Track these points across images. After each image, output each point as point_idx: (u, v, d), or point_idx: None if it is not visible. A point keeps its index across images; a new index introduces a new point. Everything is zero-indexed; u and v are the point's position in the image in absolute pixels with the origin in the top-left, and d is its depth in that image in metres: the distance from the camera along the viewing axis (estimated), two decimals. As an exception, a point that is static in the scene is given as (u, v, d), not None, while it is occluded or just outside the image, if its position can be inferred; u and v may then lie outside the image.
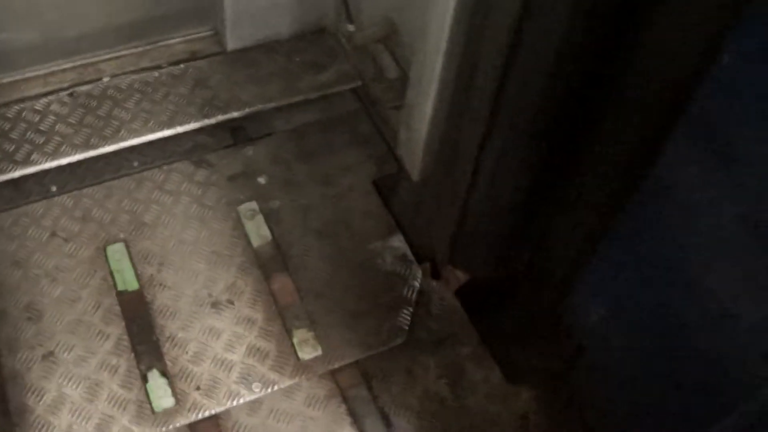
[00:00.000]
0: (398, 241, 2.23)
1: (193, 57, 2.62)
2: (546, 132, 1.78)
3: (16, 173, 2.30)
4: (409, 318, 2.08)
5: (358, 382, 2.00)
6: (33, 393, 1.89)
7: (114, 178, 2.30)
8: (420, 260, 2.19)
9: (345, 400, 1.97)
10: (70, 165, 2.33)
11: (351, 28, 2.43)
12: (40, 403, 1.88)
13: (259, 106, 2.49)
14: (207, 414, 1.90)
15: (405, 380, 2.01)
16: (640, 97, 1.49)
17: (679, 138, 1.38)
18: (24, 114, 2.39)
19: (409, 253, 2.20)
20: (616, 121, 1.58)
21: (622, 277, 1.70)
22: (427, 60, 2.02)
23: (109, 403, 1.89)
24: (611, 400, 1.85)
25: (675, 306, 1.54)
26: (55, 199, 2.25)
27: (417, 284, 2.14)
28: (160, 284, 2.09)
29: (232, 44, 2.63)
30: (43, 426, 1.85)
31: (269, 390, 1.95)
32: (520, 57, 1.63)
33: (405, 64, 2.44)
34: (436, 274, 2.19)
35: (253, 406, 1.94)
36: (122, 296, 2.05)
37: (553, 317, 1.95)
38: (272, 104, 2.51)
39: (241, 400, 1.92)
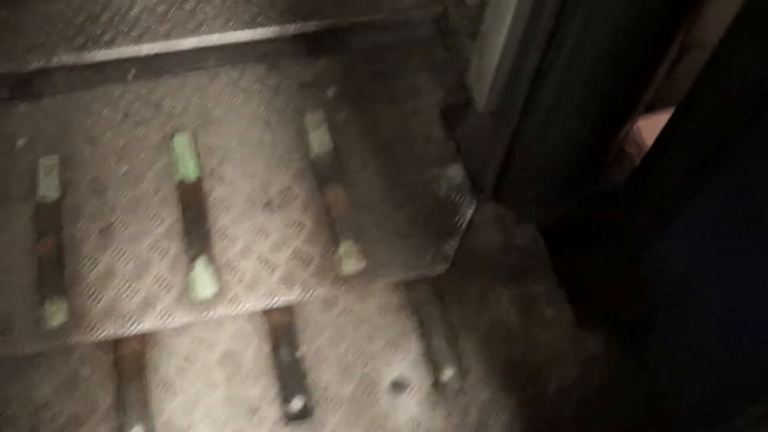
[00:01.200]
0: (456, 170, 2.24)
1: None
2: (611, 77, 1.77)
3: (99, 56, 2.37)
4: (454, 249, 2.09)
5: (431, 298, 2.04)
6: (87, 261, 1.99)
7: (190, 71, 2.36)
8: (477, 191, 2.20)
9: (416, 313, 2.01)
10: (149, 55, 2.39)
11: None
12: (93, 272, 1.98)
13: (340, 20, 2.50)
14: (245, 308, 1.97)
15: (477, 304, 2.04)
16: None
17: None
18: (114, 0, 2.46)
19: (466, 183, 2.21)
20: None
21: (710, 233, 1.68)
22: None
23: (156, 283, 1.98)
24: (677, 362, 1.86)
25: (759, 273, 1.51)
26: (132, 84, 2.32)
27: (469, 215, 2.15)
28: (219, 178, 2.15)
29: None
30: (93, 293, 1.95)
31: (308, 295, 2.00)
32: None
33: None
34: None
35: (328, 303, 2.00)
36: (182, 184, 2.12)
37: (631, 267, 1.94)
38: (353, 19, 2.51)
39: (281, 300, 1.98)
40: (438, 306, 2.03)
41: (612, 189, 2.17)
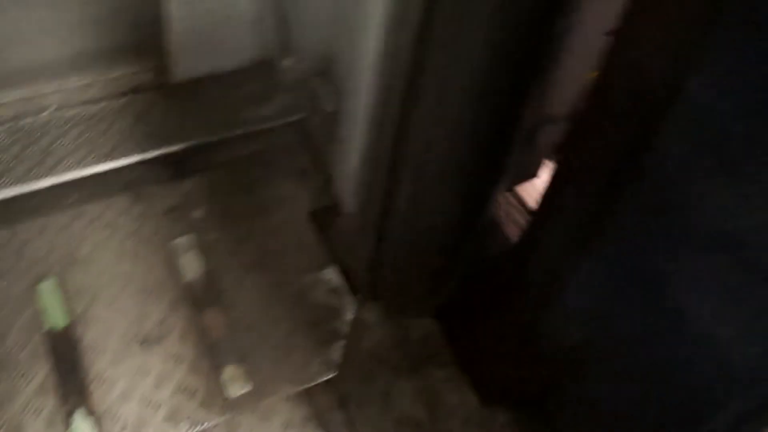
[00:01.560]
0: (332, 274, 2.24)
1: (136, 89, 2.62)
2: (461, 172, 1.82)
3: (-47, 205, 2.31)
4: (341, 352, 2.08)
5: (335, 406, 2.02)
6: (-44, 433, 1.90)
7: (51, 212, 2.31)
8: (355, 293, 2.20)
9: (322, 424, 1.99)
10: (6, 199, 2.33)
11: (289, 62, 2.44)
12: (-37, 444, 1.88)
13: (200, 139, 2.50)
14: (132, 452, 1.90)
15: (381, 404, 2.02)
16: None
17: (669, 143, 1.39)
18: (-36, 146, 2.41)
19: (343, 286, 2.21)
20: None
21: (599, 297, 1.70)
22: (357, 94, 2.04)
23: (34, 443, 1.90)
24: (587, 425, 1.86)
25: (650, 326, 1.55)
26: (-9, 233, 2.26)
27: (350, 317, 2.14)
28: (90, 320, 2.09)
29: (175, 77, 2.63)
30: (-34, 467, 1.85)
31: (198, 428, 1.94)
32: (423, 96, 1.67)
33: (341, 98, 2.45)
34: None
35: (230, 428, 1.96)
36: (51, 333, 2.05)
37: (529, 340, 1.95)
38: (213, 137, 2.52)
39: (168, 438, 1.93)
40: (342, 413, 2.01)
41: (495, 263, 2.21)
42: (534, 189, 2.43)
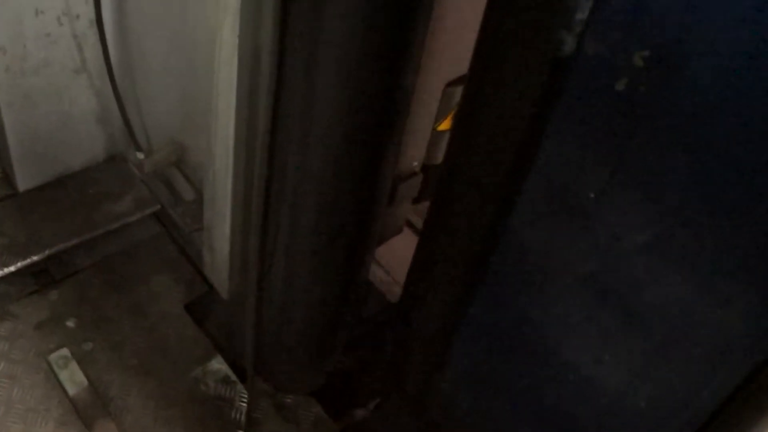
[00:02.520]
0: (218, 363, 2.26)
1: (-18, 203, 2.55)
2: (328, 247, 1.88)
3: None
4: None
5: None
6: None
7: None
8: (243, 380, 2.22)
9: None
10: None
11: (140, 155, 2.45)
12: None
13: (60, 246, 2.46)
14: None
15: None
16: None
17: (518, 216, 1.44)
18: None
19: (231, 374, 2.23)
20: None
21: (483, 361, 1.73)
22: (218, 180, 2.08)
23: None
24: None
25: (537, 382, 1.58)
26: None
27: (244, 405, 2.16)
28: (-25, 455, 2.01)
29: (22, 185, 2.59)
30: None
31: None
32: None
33: (200, 186, 2.48)
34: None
35: None
36: (-65, 477, 1.96)
37: (421, 413, 1.98)
38: (73, 241, 2.48)
39: None
40: None
41: (375, 335, 2.28)
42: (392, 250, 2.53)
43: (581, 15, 1.17)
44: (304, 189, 1.78)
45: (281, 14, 1.54)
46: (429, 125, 2.32)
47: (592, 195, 1.28)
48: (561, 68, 1.23)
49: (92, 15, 2.38)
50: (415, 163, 2.35)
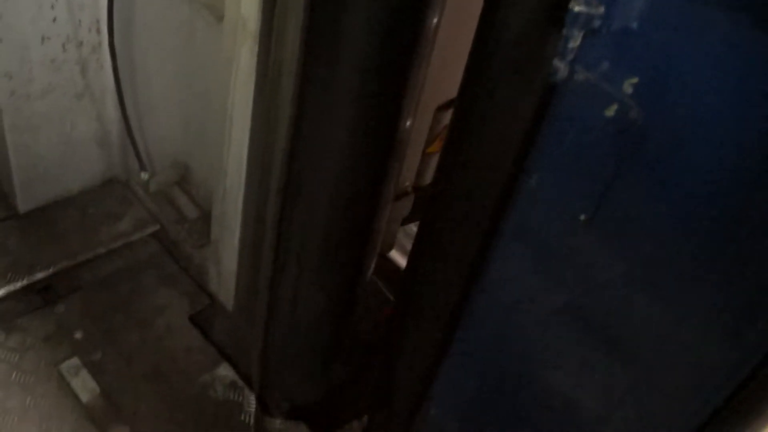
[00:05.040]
0: (226, 370, 2.33)
1: (-16, 224, 2.61)
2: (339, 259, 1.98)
3: None
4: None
5: None
6: None
7: None
8: (251, 386, 2.30)
9: None
10: None
11: (144, 175, 2.54)
12: None
13: (63, 264, 2.52)
14: None
15: None
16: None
17: (502, 243, 1.47)
18: None
19: (238, 380, 2.31)
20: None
21: (469, 386, 1.77)
22: (228, 197, 2.18)
23: None
24: None
25: (522, 407, 1.62)
26: None
27: (252, 408, 2.24)
28: (-7, 460, 2.05)
29: (23, 206, 2.65)
30: None
31: None
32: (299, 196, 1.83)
33: (203, 203, 2.58)
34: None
35: None
36: (-46, 480, 1.99)
37: None
38: (75, 259, 2.54)
39: None
40: None
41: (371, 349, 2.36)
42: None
43: (573, 44, 1.20)
44: (316, 205, 1.87)
45: (304, 39, 1.65)
46: (420, 148, 2.45)
47: (582, 217, 1.31)
48: (552, 94, 1.26)
49: (95, 41, 2.49)
50: (407, 183, 2.48)
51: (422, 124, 2.33)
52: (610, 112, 1.20)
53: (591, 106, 1.22)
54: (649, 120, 1.16)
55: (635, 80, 1.15)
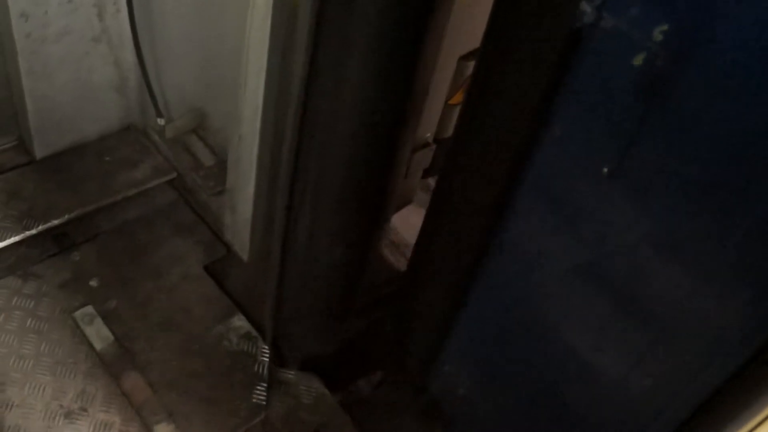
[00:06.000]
0: (240, 321, 2.31)
1: (1, 169, 2.59)
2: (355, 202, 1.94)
3: None
4: (264, 394, 2.16)
5: None
6: None
7: (-63, 305, 2.24)
8: (265, 337, 2.28)
9: None
10: None
11: (161, 122, 2.50)
12: None
13: (79, 210, 2.50)
14: None
15: None
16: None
17: (522, 197, 1.46)
18: None
19: (252, 330, 2.29)
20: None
21: (484, 343, 1.77)
22: (244, 143, 2.14)
23: None
24: None
25: (537, 366, 1.61)
26: None
27: (266, 359, 2.22)
28: (7, 404, 2.05)
29: (40, 152, 2.63)
30: None
31: (138, 490, 1.96)
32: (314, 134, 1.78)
33: (220, 151, 2.54)
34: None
35: None
36: (-32, 424, 2.00)
37: (422, 391, 2.03)
38: (91, 206, 2.52)
39: (112, 505, 1.93)
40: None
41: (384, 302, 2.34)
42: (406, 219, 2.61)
43: (603, -14, 1.15)
44: (332, 150, 1.82)
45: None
46: (442, 99, 2.39)
47: (605, 170, 1.28)
48: (578, 41, 1.23)
49: (112, -17, 2.44)
50: (428, 135, 2.42)
51: (444, 75, 2.28)
52: (638, 60, 1.15)
53: (618, 54, 1.18)
54: (678, 71, 1.12)
55: (665, 27, 1.11)
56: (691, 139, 1.15)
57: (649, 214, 1.26)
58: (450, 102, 2.44)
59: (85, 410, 2.06)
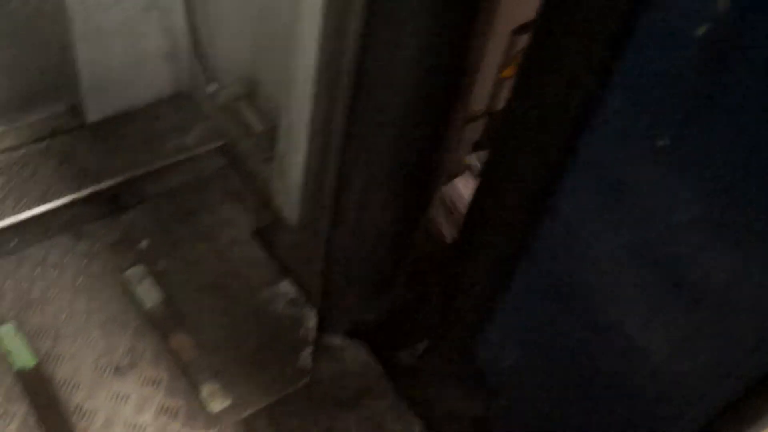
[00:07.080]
0: (287, 286, 2.34)
1: (54, 133, 2.63)
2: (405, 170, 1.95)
3: None
4: (310, 358, 2.18)
5: None
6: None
7: (-7, 260, 2.30)
8: (312, 302, 2.31)
9: None
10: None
11: (212, 88, 2.53)
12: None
13: (130, 174, 2.54)
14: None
15: None
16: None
17: (574, 172, 1.44)
18: None
19: (300, 296, 2.31)
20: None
21: (531, 316, 1.76)
22: (296, 109, 2.15)
23: (24, 483, 1.89)
24: None
25: (584, 341, 1.60)
26: (-68, 288, 2.22)
27: (312, 324, 2.25)
28: (58, 357, 2.09)
29: (91, 117, 2.66)
30: None
31: (184, 446, 2.00)
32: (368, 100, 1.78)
33: (270, 118, 2.56)
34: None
35: None
36: (21, 375, 2.05)
37: (467, 362, 2.03)
38: (142, 170, 2.56)
39: (159, 460, 1.97)
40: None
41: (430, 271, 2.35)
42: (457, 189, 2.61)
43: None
44: (385, 119, 1.83)
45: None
46: (494, 71, 2.39)
47: (660, 143, 1.26)
48: (637, 12, 1.20)
49: (165, -50, 2.46)
50: (480, 107, 2.43)
51: (497, 47, 2.28)
52: (701, 31, 1.12)
53: (680, 23, 1.15)
54: (744, 43, 1.08)
55: (730, -3, 1.07)
56: (751, 117, 1.11)
57: (702, 194, 1.24)
58: (502, 75, 2.44)
59: (133, 366, 2.11)
